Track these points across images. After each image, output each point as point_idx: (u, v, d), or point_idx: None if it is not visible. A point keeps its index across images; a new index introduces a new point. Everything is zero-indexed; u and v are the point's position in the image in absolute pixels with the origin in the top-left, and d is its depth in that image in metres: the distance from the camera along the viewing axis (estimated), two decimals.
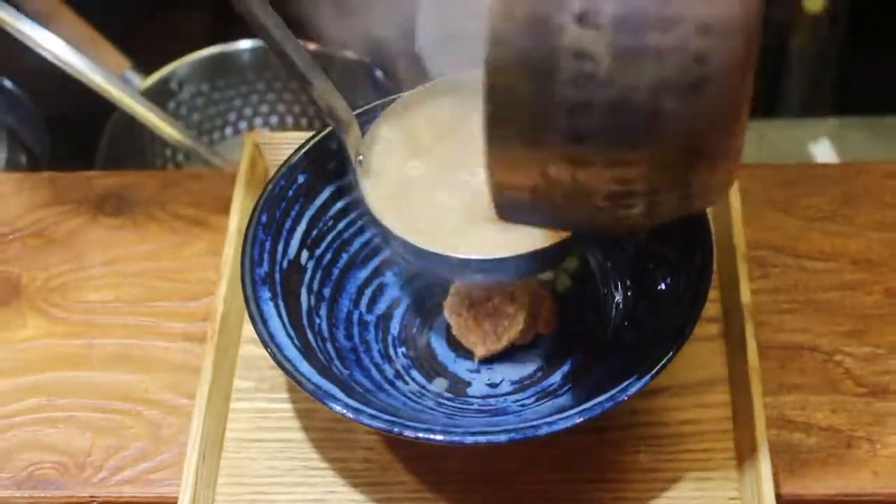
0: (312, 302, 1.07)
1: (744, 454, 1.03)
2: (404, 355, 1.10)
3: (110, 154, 1.56)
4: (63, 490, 1.07)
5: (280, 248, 1.06)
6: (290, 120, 1.71)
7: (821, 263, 1.18)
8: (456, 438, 0.91)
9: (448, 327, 1.09)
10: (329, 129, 1.10)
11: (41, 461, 1.08)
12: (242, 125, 1.70)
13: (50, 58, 1.34)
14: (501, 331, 1.06)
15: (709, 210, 1.04)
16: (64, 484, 1.07)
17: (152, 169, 1.60)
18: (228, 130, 1.70)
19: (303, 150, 1.09)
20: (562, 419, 0.92)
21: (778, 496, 0.99)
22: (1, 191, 1.30)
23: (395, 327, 1.12)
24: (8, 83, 1.61)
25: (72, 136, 1.65)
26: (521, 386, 1.07)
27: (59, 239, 1.25)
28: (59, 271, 1.22)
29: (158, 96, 1.62)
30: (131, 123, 1.48)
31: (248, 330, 1.13)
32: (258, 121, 1.70)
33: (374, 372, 1.07)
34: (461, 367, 1.09)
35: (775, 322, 1.13)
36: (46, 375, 1.14)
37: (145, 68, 1.64)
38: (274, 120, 1.70)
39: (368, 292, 1.13)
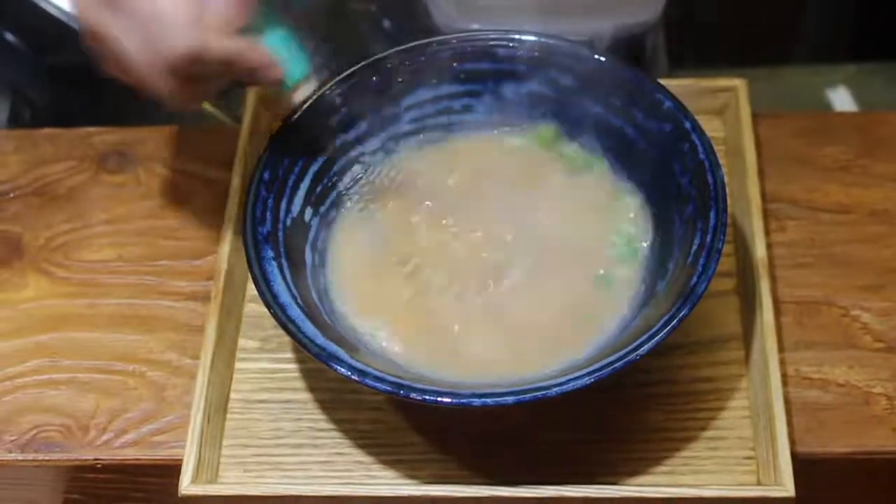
0: (316, 260, 1.05)
1: (759, 413, 1.01)
2: None
3: (118, 109, 1.53)
4: (67, 453, 1.05)
5: (283, 205, 1.04)
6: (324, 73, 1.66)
7: (838, 216, 1.15)
8: (464, 401, 0.89)
9: None
10: (333, 82, 1.07)
11: (44, 424, 1.06)
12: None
13: (54, 12, 1.31)
14: None
15: (723, 161, 1.01)
16: (68, 446, 1.05)
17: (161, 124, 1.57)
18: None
19: (306, 104, 1.06)
20: (572, 379, 0.89)
21: (794, 455, 0.97)
22: (1, 148, 1.27)
23: None
24: (10, 36, 1.58)
25: (76, 89, 1.62)
26: None
27: (61, 197, 1.22)
28: (61, 230, 1.20)
29: None
30: None
31: (252, 288, 1.10)
32: None
33: None
34: None
35: (791, 277, 1.11)
36: (49, 336, 1.12)
37: None
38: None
39: None
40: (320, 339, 0.94)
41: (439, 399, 0.90)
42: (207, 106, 1.35)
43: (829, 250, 1.13)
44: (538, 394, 0.89)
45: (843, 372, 1.05)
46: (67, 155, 1.26)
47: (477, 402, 0.89)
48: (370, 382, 0.90)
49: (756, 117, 1.18)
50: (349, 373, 0.91)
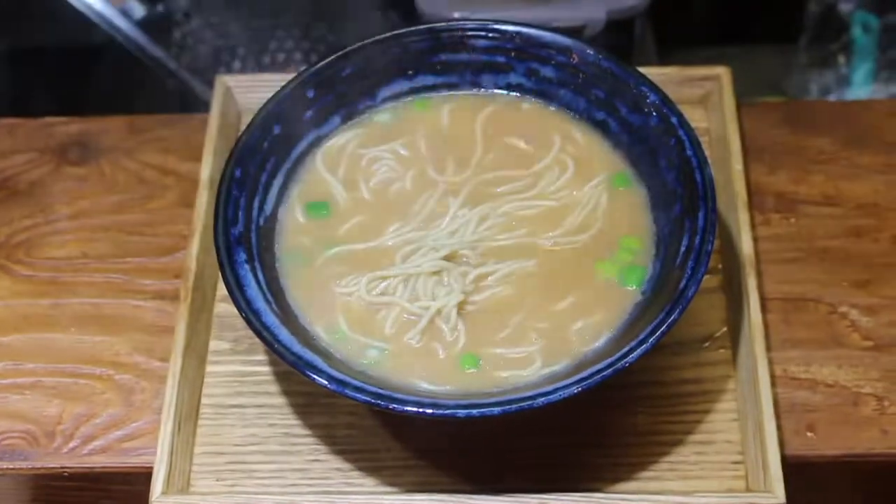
0: None
1: (747, 416, 0.98)
2: None
3: (79, 96, 1.49)
4: (32, 461, 1.01)
5: (256, 204, 1.00)
6: (298, 56, 1.61)
7: (825, 208, 1.12)
8: (448, 412, 0.86)
9: None
10: (306, 73, 1.03)
11: (8, 430, 1.03)
12: (250, 61, 1.61)
13: None
14: None
15: (707, 153, 0.98)
16: (32, 454, 1.01)
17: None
18: (237, 66, 1.61)
19: (278, 97, 1.02)
20: (559, 389, 0.87)
21: (783, 459, 0.94)
22: None
23: None
24: None
25: (33, 75, 1.57)
26: None
27: (22, 191, 1.18)
28: (23, 226, 1.16)
29: (161, 27, 1.53)
30: (122, 64, 1.42)
31: (223, 287, 1.06)
32: (266, 58, 1.60)
33: None
34: None
35: (777, 272, 1.08)
36: (11, 338, 1.08)
37: None
38: (281, 57, 1.61)
39: None
40: (297, 347, 0.90)
41: (422, 410, 0.86)
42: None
43: (815, 244, 1.10)
44: (524, 404, 0.86)
45: (831, 372, 1.03)
46: (27, 146, 1.21)
47: (462, 413, 0.86)
48: (350, 393, 0.87)
49: (740, 106, 1.15)
50: (327, 383, 0.88)
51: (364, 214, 1.03)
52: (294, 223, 1.02)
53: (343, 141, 1.06)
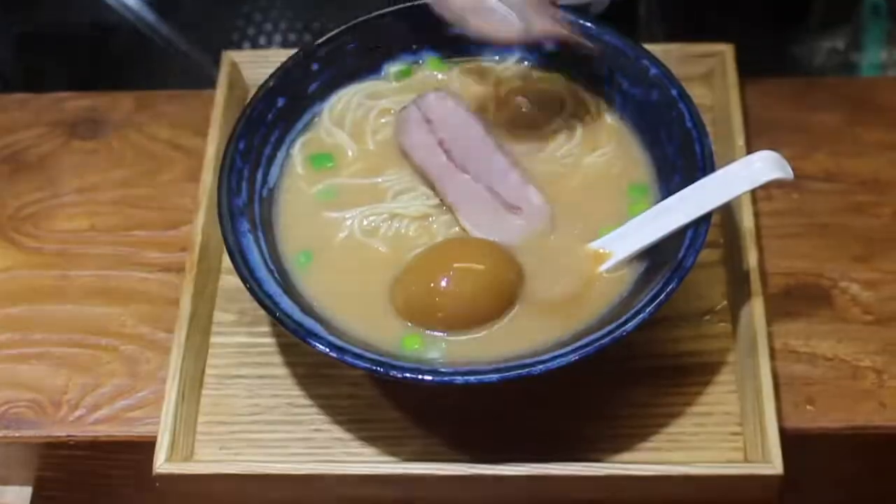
0: None
1: (746, 388, 0.99)
2: None
3: (90, 73, 1.50)
4: (38, 430, 1.02)
5: (259, 176, 1.01)
6: (308, 37, 1.61)
7: (826, 184, 1.13)
8: (446, 379, 0.87)
9: None
10: (310, 47, 1.04)
11: (15, 399, 1.04)
12: (261, 39, 1.62)
13: None
14: None
15: (709, 129, 0.99)
16: (39, 423, 1.03)
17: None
18: (246, 44, 1.61)
19: (281, 72, 1.03)
20: (557, 356, 0.87)
21: (782, 431, 0.95)
22: None
23: None
24: None
25: (46, 55, 1.58)
26: None
27: (31, 164, 1.19)
28: (32, 199, 1.17)
29: (170, 5, 1.54)
30: (133, 42, 1.43)
31: (228, 260, 1.07)
32: (277, 37, 1.61)
33: None
34: None
35: (778, 247, 1.09)
36: (19, 309, 1.09)
37: None
38: (292, 37, 1.61)
39: None
40: (297, 315, 0.91)
41: (420, 377, 0.87)
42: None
43: (817, 220, 1.11)
44: (522, 371, 0.87)
45: (831, 345, 1.03)
46: (37, 121, 1.22)
47: (459, 380, 0.87)
48: (349, 360, 0.88)
49: (743, 83, 1.15)
50: (327, 349, 0.89)
51: (367, 161, 1.04)
52: (295, 178, 1.04)
53: (351, 93, 1.07)
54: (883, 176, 1.13)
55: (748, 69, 1.17)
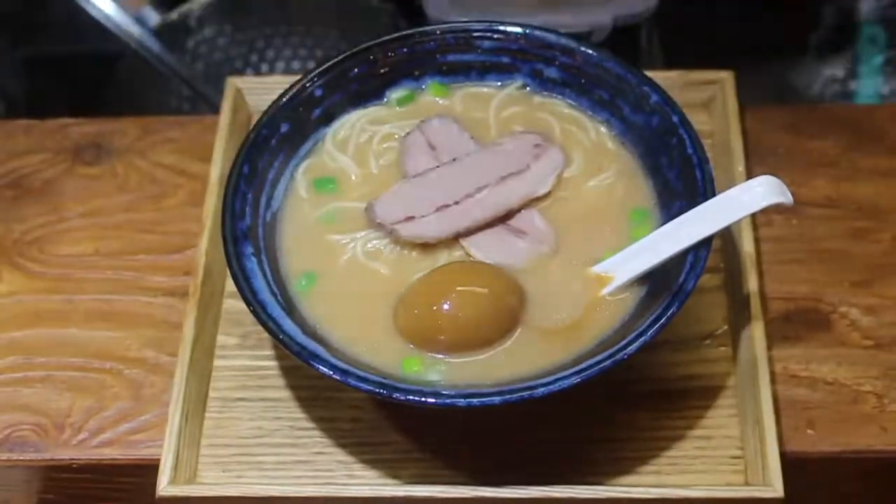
0: None
1: (746, 411, 0.99)
2: None
3: (94, 99, 1.52)
4: (42, 453, 1.03)
5: (263, 200, 1.02)
6: (311, 64, 1.62)
7: (826, 210, 1.14)
8: (448, 401, 0.87)
9: None
10: (314, 73, 1.05)
11: (19, 423, 1.04)
12: (264, 68, 1.63)
13: None
14: None
15: (710, 155, 0.99)
16: (43, 446, 1.03)
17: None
18: (249, 72, 1.62)
19: (285, 98, 1.04)
20: (559, 379, 0.88)
21: (782, 455, 0.95)
22: None
23: None
24: None
25: (51, 81, 1.59)
26: None
27: (36, 189, 1.20)
28: (36, 224, 1.18)
29: (176, 34, 1.56)
30: (138, 70, 1.44)
31: (231, 283, 1.09)
32: (280, 65, 1.62)
33: None
34: None
35: (779, 272, 1.09)
36: (23, 333, 1.10)
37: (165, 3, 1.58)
38: (296, 65, 1.62)
39: None
40: (301, 338, 0.92)
41: (423, 399, 0.88)
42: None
43: (816, 245, 1.11)
44: (524, 394, 0.87)
45: (831, 370, 1.04)
46: (42, 146, 1.23)
47: (462, 402, 0.87)
48: (352, 382, 0.88)
49: (743, 110, 1.16)
50: (330, 372, 0.89)
51: (370, 185, 1.04)
52: (299, 201, 1.04)
53: (354, 118, 1.08)
54: (882, 202, 1.13)
55: (747, 97, 1.17)
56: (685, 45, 1.46)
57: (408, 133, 1.05)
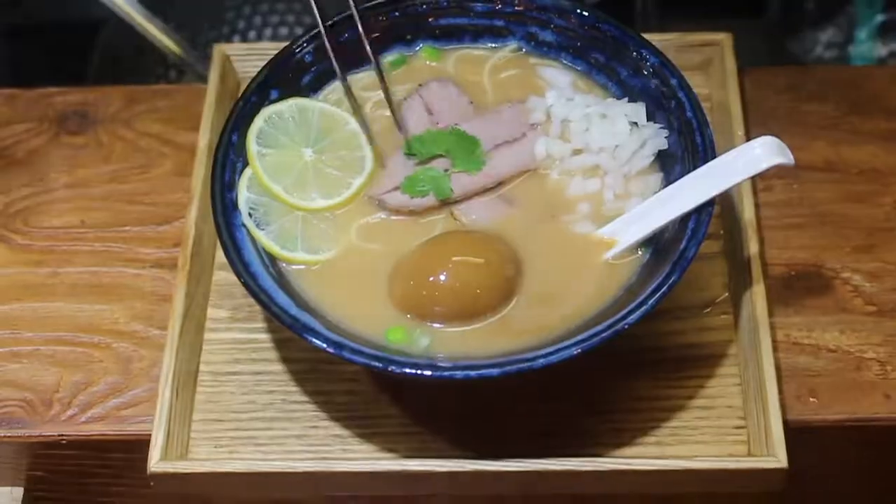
0: None
1: (749, 381, 0.98)
2: None
3: (77, 68, 1.49)
4: (30, 429, 1.01)
5: None
6: (299, 32, 1.59)
7: (826, 174, 1.12)
8: (446, 374, 0.86)
9: None
10: (304, 38, 1.03)
11: (5, 399, 1.02)
12: (251, 35, 1.60)
13: None
14: None
15: (709, 119, 0.97)
16: (30, 422, 1.01)
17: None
18: (236, 39, 1.59)
19: (274, 63, 1.02)
20: (559, 350, 0.86)
21: (785, 423, 0.94)
22: None
23: None
24: None
25: (32, 49, 1.56)
26: None
27: (20, 160, 1.17)
28: (21, 195, 1.15)
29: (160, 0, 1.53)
30: (122, 37, 1.41)
31: (221, 255, 1.07)
32: (268, 31, 1.60)
33: None
34: None
35: (779, 238, 1.08)
36: (9, 307, 1.08)
37: None
38: (283, 31, 1.60)
39: None
40: (294, 310, 0.90)
41: (420, 372, 0.86)
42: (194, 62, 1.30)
43: (817, 210, 1.09)
44: (523, 366, 0.85)
45: (834, 337, 1.02)
46: (25, 116, 1.21)
47: (460, 374, 0.85)
48: (347, 355, 0.86)
49: (741, 73, 1.14)
50: (324, 345, 0.87)
51: None
52: None
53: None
54: (882, 165, 1.12)
55: (743, 61, 1.15)
56: (679, 7, 1.45)
57: (405, 97, 1.03)
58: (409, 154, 1.00)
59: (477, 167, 0.99)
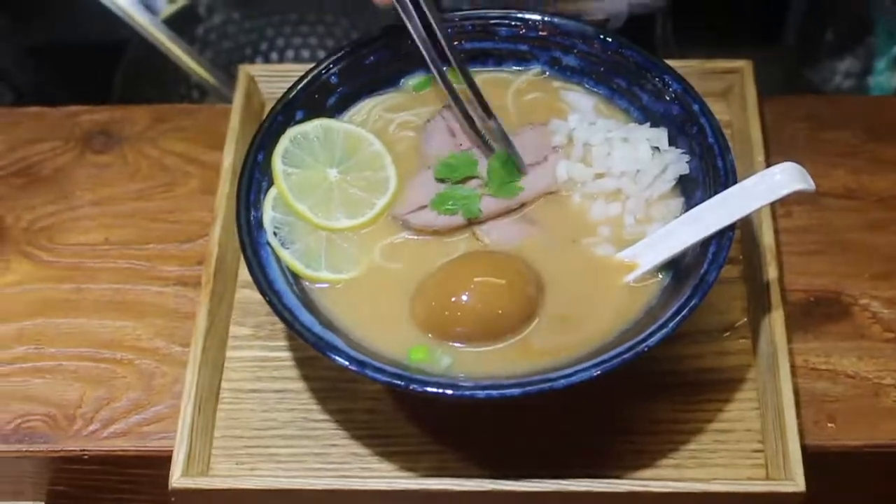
0: None
1: (767, 405, 0.98)
2: None
3: (103, 88, 1.50)
4: (52, 444, 1.02)
5: None
6: (321, 55, 1.61)
7: (846, 202, 1.12)
8: (467, 393, 0.86)
9: None
10: (330, 60, 1.04)
11: (29, 413, 1.03)
12: (273, 56, 1.61)
13: None
14: None
15: (731, 143, 0.98)
16: (53, 437, 1.02)
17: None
18: (259, 60, 1.61)
19: (300, 84, 1.03)
20: (579, 371, 0.86)
21: (803, 448, 0.94)
22: None
23: None
24: None
25: (59, 69, 1.58)
26: None
27: (46, 177, 1.19)
28: (46, 212, 1.16)
29: (185, 22, 1.55)
30: (146, 58, 1.42)
31: (244, 273, 1.08)
32: (290, 53, 1.61)
33: None
34: None
35: (799, 264, 1.08)
36: (33, 322, 1.09)
37: None
38: (305, 54, 1.61)
39: None
40: (317, 328, 0.90)
41: (442, 391, 0.86)
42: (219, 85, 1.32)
43: (836, 237, 1.10)
44: (544, 386, 0.86)
45: (852, 363, 1.02)
46: (52, 134, 1.22)
47: (481, 394, 0.86)
48: (370, 374, 0.87)
49: (762, 100, 1.15)
50: (347, 363, 0.88)
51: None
52: None
53: (370, 105, 1.07)
54: None
55: (763, 89, 1.16)
56: (699, 36, 1.45)
57: (428, 120, 1.04)
58: (440, 180, 1.00)
59: (512, 194, 0.99)
